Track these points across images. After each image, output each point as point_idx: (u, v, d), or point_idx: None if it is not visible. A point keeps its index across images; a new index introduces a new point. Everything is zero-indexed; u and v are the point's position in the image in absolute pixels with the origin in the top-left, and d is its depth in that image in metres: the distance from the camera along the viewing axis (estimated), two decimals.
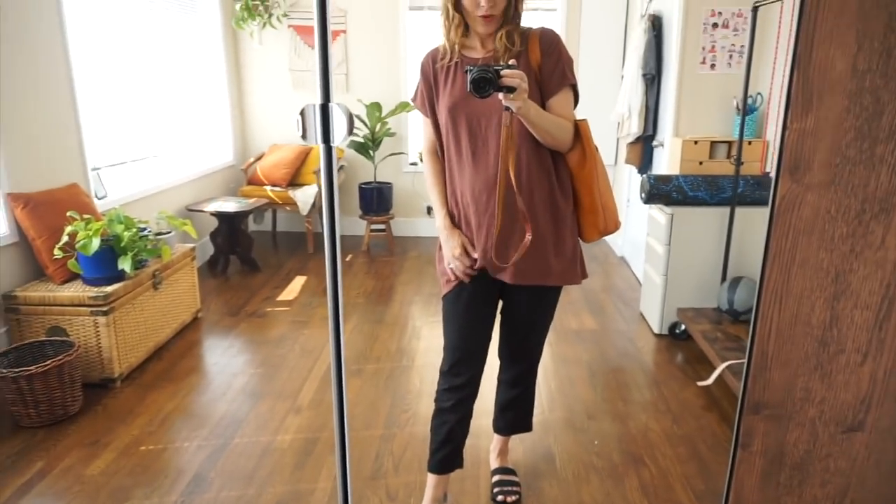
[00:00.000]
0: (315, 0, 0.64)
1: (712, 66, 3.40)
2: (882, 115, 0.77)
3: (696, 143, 3.31)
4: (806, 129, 0.77)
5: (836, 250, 0.82)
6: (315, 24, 0.67)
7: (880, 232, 0.81)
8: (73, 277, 2.75)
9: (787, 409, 0.88)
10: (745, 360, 0.88)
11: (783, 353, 0.86)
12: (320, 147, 0.71)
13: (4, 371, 2.30)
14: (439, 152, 1.79)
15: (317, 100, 0.71)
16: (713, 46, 3.37)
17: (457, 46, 1.66)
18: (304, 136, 0.70)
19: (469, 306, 1.75)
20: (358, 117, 4.88)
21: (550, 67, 1.62)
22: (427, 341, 3.23)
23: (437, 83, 1.71)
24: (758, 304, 0.85)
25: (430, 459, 1.86)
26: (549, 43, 1.63)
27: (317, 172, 4.85)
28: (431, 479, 1.87)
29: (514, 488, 2.01)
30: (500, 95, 1.43)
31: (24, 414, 2.35)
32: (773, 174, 0.80)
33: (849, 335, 0.85)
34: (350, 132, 0.71)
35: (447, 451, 1.83)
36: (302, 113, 0.70)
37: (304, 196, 4.65)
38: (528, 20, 1.67)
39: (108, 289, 2.65)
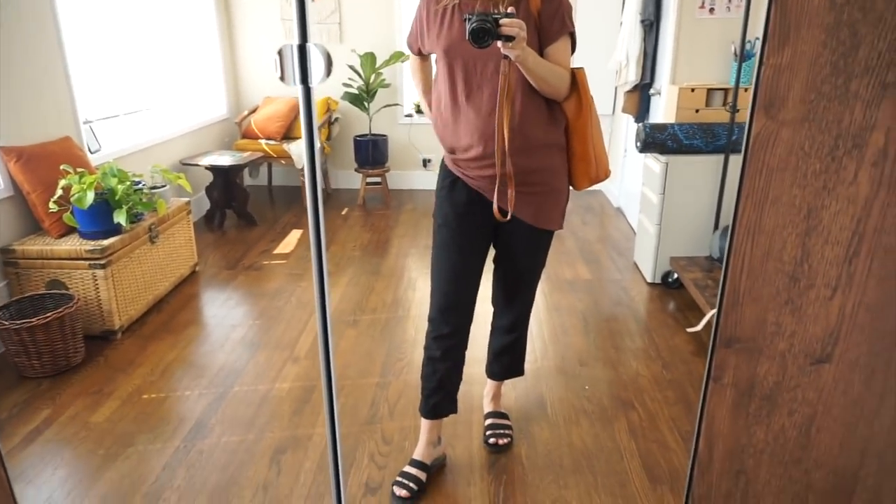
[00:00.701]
0: None
1: (711, 10, 3.33)
2: (858, 48, 0.77)
3: (692, 90, 3.28)
4: (782, 64, 0.77)
5: (809, 186, 0.83)
6: None
7: (853, 167, 0.82)
8: (69, 231, 2.76)
9: (758, 343, 0.91)
10: (718, 296, 0.90)
11: (755, 288, 0.88)
12: (298, 88, 0.71)
13: (6, 323, 2.34)
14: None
15: (295, 40, 0.71)
16: None
17: None
18: (281, 78, 0.70)
19: (459, 253, 1.76)
20: (352, 68, 4.81)
21: (550, 14, 1.60)
22: (422, 292, 3.27)
23: (431, 22, 1.69)
24: (731, 242, 0.87)
25: (423, 405, 1.91)
26: None
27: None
28: (425, 423, 1.93)
29: (507, 431, 2.08)
30: (499, 44, 1.42)
31: (28, 365, 2.40)
32: (748, 111, 0.80)
33: (819, 270, 0.87)
34: (328, 74, 0.71)
35: (438, 398, 1.88)
36: (279, 53, 0.70)
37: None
38: None
39: (105, 242, 2.67)
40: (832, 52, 0.78)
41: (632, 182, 4.35)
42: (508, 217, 1.68)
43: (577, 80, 1.68)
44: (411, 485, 1.83)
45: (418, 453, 1.91)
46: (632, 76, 3.84)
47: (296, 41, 0.70)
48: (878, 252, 0.84)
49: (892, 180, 0.81)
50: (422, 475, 1.87)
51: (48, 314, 2.39)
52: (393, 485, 1.84)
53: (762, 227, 0.85)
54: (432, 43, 1.69)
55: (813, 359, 0.92)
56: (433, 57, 1.79)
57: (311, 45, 0.69)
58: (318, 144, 0.72)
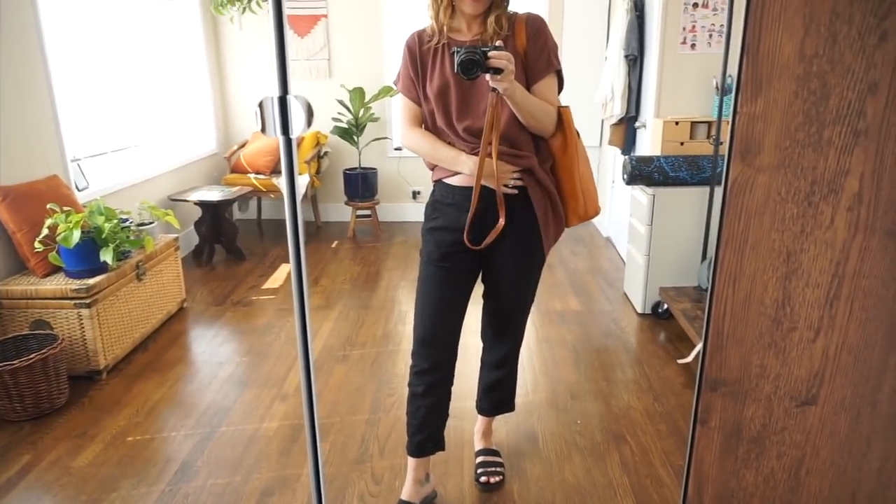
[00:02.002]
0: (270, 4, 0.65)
1: (692, 45, 3.41)
2: (829, 98, 0.79)
3: (676, 123, 3.33)
4: (756, 112, 0.79)
5: (787, 231, 0.84)
6: (271, 12, 0.67)
7: (829, 212, 0.83)
8: (55, 270, 2.74)
9: (744, 386, 0.91)
10: (702, 340, 0.90)
11: (738, 331, 0.88)
12: (280, 139, 0.72)
13: None
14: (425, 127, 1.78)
15: (275, 91, 0.72)
16: (693, 26, 3.37)
17: (444, 28, 1.66)
18: (262, 130, 0.70)
19: (442, 289, 1.76)
20: (341, 102, 4.86)
21: (536, 53, 1.64)
22: (412, 325, 3.24)
23: (425, 65, 1.70)
24: (713, 286, 0.87)
25: (408, 443, 1.88)
26: (536, 28, 1.65)
27: (308, 162, 4.83)
28: (411, 461, 1.90)
29: (498, 469, 2.05)
30: (488, 77, 1.45)
31: (10, 408, 2.36)
32: (726, 157, 0.81)
33: (801, 313, 0.88)
34: (309, 124, 0.72)
35: (423, 436, 1.85)
36: (260, 105, 0.70)
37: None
38: (512, 1, 1.68)
39: (91, 281, 2.65)
40: (804, 102, 0.79)
41: (620, 212, 4.38)
42: (482, 246, 1.69)
43: (562, 118, 1.71)
44: None
45: (406, 493, 1.88)
46: (617, 110, 3.90)
47: (276, 93, 0.71)
48: (858, 295, 0.85)
49: (868, 224, 0.82)
50: None
51: (32, 355, 2.35)
52: None
53: (743, 271, 0.86)
54: (426, 84, 1.71)
55: (798, 401, 0.92)
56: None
57: (291, 97, 0.70)
58: (300, 195, 0.73)
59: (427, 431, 1.84)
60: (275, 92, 0.73)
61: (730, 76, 3.22)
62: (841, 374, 0.90)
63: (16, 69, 2.85)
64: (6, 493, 1.99)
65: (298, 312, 0.78)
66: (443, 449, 1.91)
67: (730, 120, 0.82)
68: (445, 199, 1.76)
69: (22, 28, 2.88)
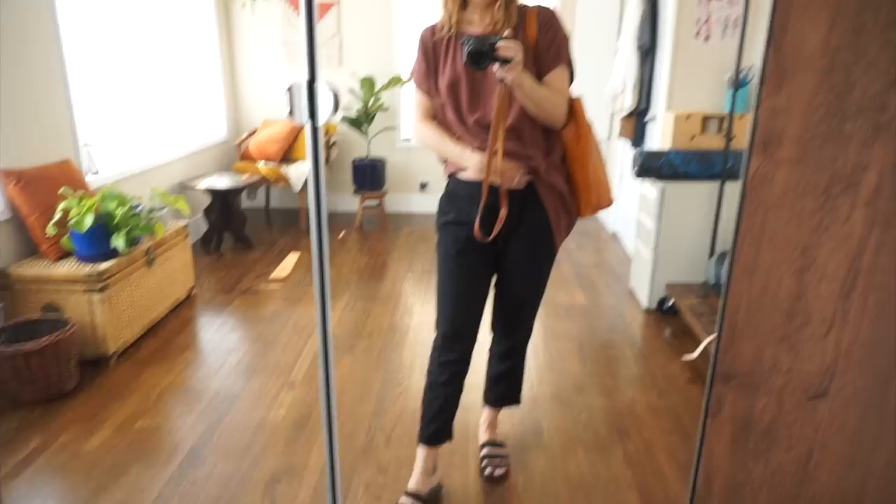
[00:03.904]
0: None
1: (707, 37, 3.38)
2: (852, 91, 0.79)
3: (688, 117, 3.31)
4: (778, 105, 0.78)
5: (805, 225, 0.84)
6: (302, 4, 0.67)
7: (847, 207, 0.83)
8: (66, 254, 2.76)
9: (755, 379, 0.91)
10: (717, 332, 0.90)
11: (752, 325, 0.89)
12: (306, 124, 0.72)
13: (1, 348, 2.32)
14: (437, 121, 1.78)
15: (300, 76, 0.72)
16: (708, 18, 3.34)
17: (456, 20, 1.65)
18: (290, 114, 0.71)
19: (462, 283, 1.78)
20: (351, 91, 4.86)
21: (546, 45, 1.64)
22: (419, 317, 3.26)
23: (437, 57, 1.71)
24: (729, 279, 0.87)
25: (422, 432, 1.89)
26: (546, 21, 1.65)
27: None
28: (422, 450, 1.91)
29: (503, 461, 2.06)
30: (496, 67, 1.45)
31: (21, 391, 2.38)
32: (745, 150, 0.81)
33: (815, 307, 0.88)
34: (336, 110, 0.72)
35: (439, 424, 1.87)
36: (289, 90, 0.71)
37: (297, 172, 4.64)
38: None
39: (102, 266, 2.66)
40: (827, 94, 0.79)
41: (627, 207, 4.37)
42: (491, 238, 1.69)
43: (574, 109, 1.70)
44: None
45: (413, 483, 1.89)
46: (628, 102, 3.88)
47: (305, 77, 0.71)
48: (873, 290, 0.85)
49: (885, 219, 0.82)
50: None
51: (43, 339, 2.37)
52: None
53: (759, 265, 0.86)
54: (438, 77, 1.71)
55: (809, 394, 0.92)
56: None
57: (319, 83, 0.70)
58: (323, 178, 0.73)
59: (444, 418, 1.87)
60: (297, 77, 0.73)
61: (743, 69, 3.20)
62: (853, 369, 0.90)
63: (30, 53, 2.86)
64: (18, 474, 2.02)
65: (320, 304, 0.78)
66: (451, 438, 1.92)
67: (752, 112, 0.81)
68: (458, 192, 1.76)
69: (37, 12, 2.89)
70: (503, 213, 1.67)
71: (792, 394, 0.91)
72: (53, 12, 2.98)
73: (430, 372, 1.85)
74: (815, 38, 0.76)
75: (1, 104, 2.67)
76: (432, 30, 1.73)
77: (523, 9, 1.66)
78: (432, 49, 1.72)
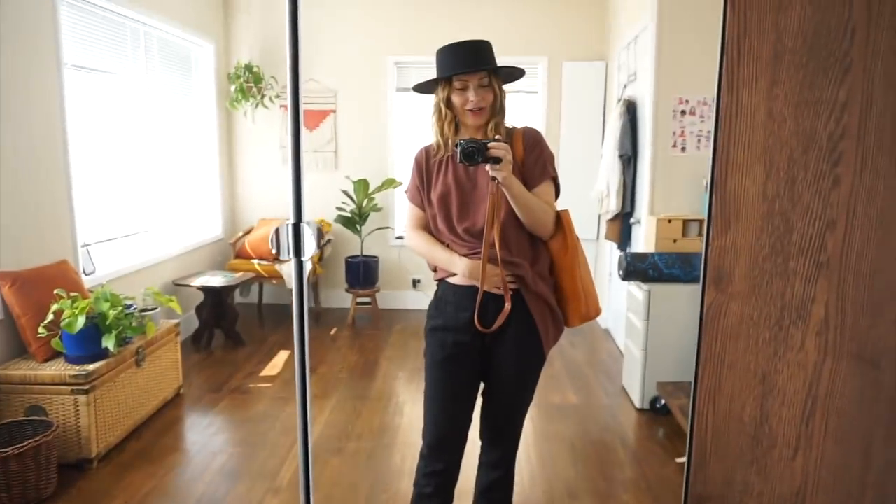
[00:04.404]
0: (290, 139, 0.73)
1: (683, 148, 3.58)
2: (792, 232, 0.86)
3: (669, 221, 3.44)
4: (725, 245, 0.86)
5: (761, 353, 0.89)
6: (290, 153, 0.75)
7: (799, 336, 0.89)
8: (55, 355, 2.76)
9: (728, 502, 0.93)
10: (686, 455, 0.93)
11: (720, 448, 0.91)
12: (292, 261, 0.78)
13: None
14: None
15: (290, 216, 0.79)
16: (682, 131, 3.55)
17: (449, 141, 1.78)
18: (277, 253, 0.77)
19: (448, 391, 1.80)
20: (345, 192, 5.03)
21: (532, 162, 1.76)
22: (409, 417, 3.23)
23: (430, 175, 1.82)
24: (693, 404, 0.91)
25: None
26: (532, 140, 1.78)
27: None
28: None
29: None
30: (487, 166, 1.56)
31: None
32: (700, 285, 0.88)
33: (779, 431, 0.91)
34: (319, 247, 0.78)
35: None
36: (276, 232, 0.77)
37: (291, 269, 4.71)
38: (510, 101, 1.81)
39: (91, 367, 2.66)
40: (769, 236, 0.87)
41: (618, 305, 4.43)
42: (492, 329, 1.72)
43: (562, 221, 1.79)
44: None
45: None
46: (612, 206, 4.03)
47: (291, 220, 0.78)
48: (832, 415, 0.89)
49: (836, 348, 0.87)
50: None
51: (24, 444, 2.34)
52: None
53: (722, 390, 0.90)
54: (430, 191, 1.82)
55: None
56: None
57: (304, 224, 0.77)
58: (307, 313, 0.78)
59: None
60: (288, 217, 0.80)
61: None
62: (822, 492, 0.92)
63: (38, 159, 2.99)
64: None
65: (301, 417, 0.81)
66: None
67: (703, 251, 0.89)
68: (446, 297, 1.82)
69: (47, 117, 3.05)
70: (507, 307, 1.71)
71: None
72: (63, 116, 3.14)
73: (416, 483, 1.83)
74: (753, 189, 0.84)
75: (4, 207, 2.76)
76: (426, 151, 1.85)
77: (511, 130, 1.80)
78: (426, 169, 1.83)
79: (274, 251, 0.77)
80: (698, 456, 0.91)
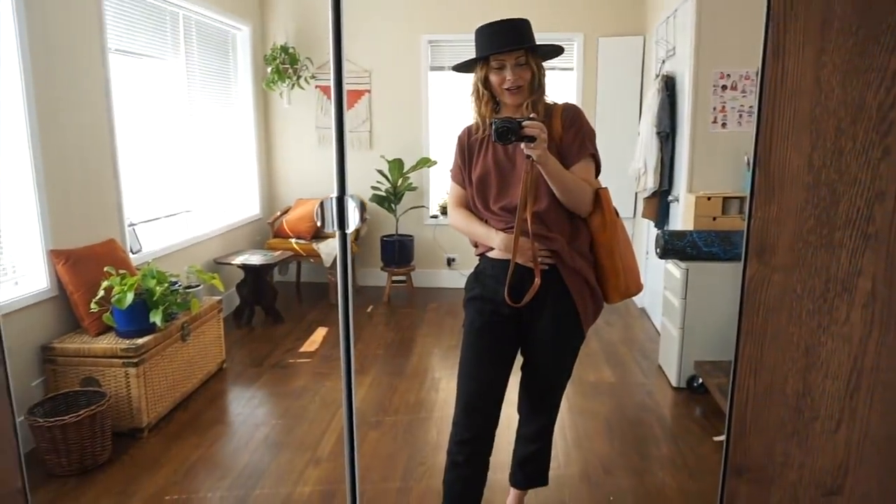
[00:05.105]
0: (333, 115, 0.75)
1: (723, 124, 3.50)
2: (839, 204, 0.85)
3: (709, 198, 3.38)
4: (769, 217, 0.85)
5: (805, 326, 0.88)
6: (333, 128, 0.77)
7: (844, 309, 0.88)
8: (106, 329, 2.88)
9: (769, 473, 0.93)
10: (726, 426, 0.93)
11: (760, 420, 0.91)
12: (336, 233, 0.81)
13: (41, 420, 2.41)
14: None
15: (334, 191, 0.82)
16: (723, 106, 3.47)
17: (488, 121, 1.78)
18: (321, 226, 0.80)
19: (483, 360, 1.82)
20: (380, 172, 5.06)
21: (570, 139, 1.75)
22: (445, 393, 3.27)
23: (472, 155, 1.84)
24: (734, 377, 0.91)
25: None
26: (571, 117, 1.77)
27: None
28: None
29: None
30: (522, 145, 1.56)
31: (56, 463, 2.45)
32: (742, 256, 0.87)
33: (822, 403, 0.90)
34: (362, 220, 0.81)
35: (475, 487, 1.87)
36: (321, 205, 0.80)
37: (328, 248, 4.79)
38: (547, 78, 1.79)
39: (140, 341, 2.77)
40: (814, 207, 0.86)
41: (655, 283, 4.38)
42: (522, 303, 1.73)
43: (600, 198, 1.78)
44: None
45: None
46: (650, 184, 3.97)
47: (335, 194, 0.81)
48: (878, 388, 0.88)
49: (883, 322, 0.86)
50: None
51: (81, 412, 2.46)
52: None
53: (763, 363, 0.90)
54: (471, 171, 1.84)
55: (824, 490, 0.93)
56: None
57: (348, 198, 0.80)
58: (351, 286, 0.81)
59: (466, 501, 1.87)
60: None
61: None
62: (865, 466, 0.91)
63: (86, 139, 3.09)
64: None
65: (345, 378, 0.84)
66: None
67: (745, 222, 0.88)
68: (485, 270, 1.85)
69: (93, 101, 3.15)
70: (537, 281, 1.72)
71: (806, 489, 0.92)
72: (109, 101, 3.24)
73: (448, 452, 1.87)
74: (799, 160, 0.83)
75: (56, 188, 2.88)
76: (468, 131, 1.87)
77: (550, 106, 1.79)
78: (467, 148, 1.85)
79: (319, 223, 0.80)
80: (738, 427, 0.92)
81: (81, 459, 2.48)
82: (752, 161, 0.85)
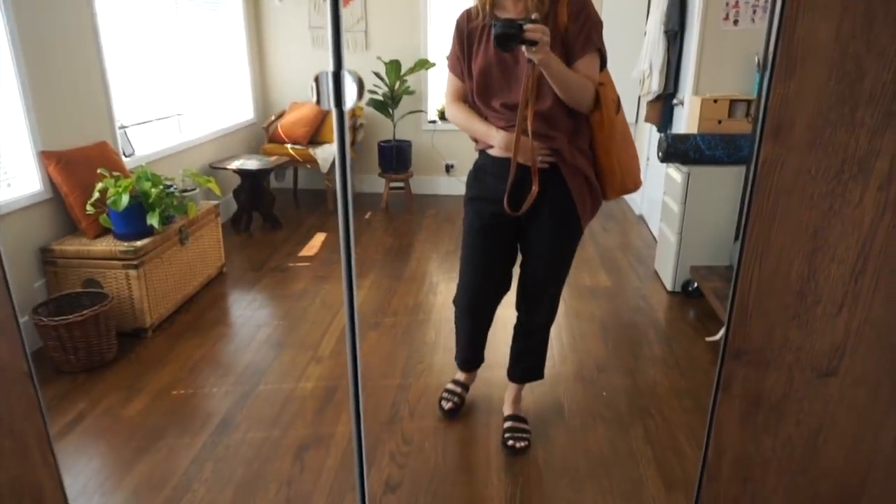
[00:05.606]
0: None
1: (735, 21, 3.34)
2: (863, 79, 0.81)
3: (715, 101, 3.29)
4: (789, 93, 0.81)
5: (816, 208, 0.87)
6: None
7: (858, 191, 0.86)
8: (104, 232, 2.87)
9: (766, 356, 0.95)
10: (728, 311, 0.94)
11: (763, 304, 0.92)
12: (332, 111, 0.77)
13: (45, 319, 2.45)
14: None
15: (329, 66, 0.77)
16: (737, 1, 3.30)
17: (488, 7, 1.69)
18: (317, 102, 0.76)
19: (487, 253, 1.89)
20: (377, 75, 4.89)
21: (576, 31, 1.67)
22: (443, 296, 3.32)
23: (471, 43, 1.76)
24: (740, 260, 0.91)
25: (456, 358, 2.27)
26: (578, 7, 1.68)
27: None
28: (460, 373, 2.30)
29: (525, 435, 2.12)
30: (524, 48, 1.49)
31: (65, 360, 2.51)
32: (756, 136, 0.84)
33: (825, 287, 0.91)
34: (360, 97, 0.77)
35: (467, 355, 2.22)
36: (316, 80, 0.76)
37: (325, 154, 4.71)
38: None
39: (138, 243, 2.77)
40: (838, 83, 0.81)
41: (654, 190, 4.36)
42: (521, 212, 1.74)
43: (599, 95, 1.73)
44: (456, 399, 2.21)
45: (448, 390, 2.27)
46: (655, 86, 3.85)
47: (331, 68, 0.76)
48: (884, 272, 0.88)
49: None
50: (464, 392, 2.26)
51: (84, 311, 2.49)
52: (440, 399, 2.26)
53: (770, 247, 0.89)
54: (471, 63, 1.76)
55: (819, 372, 0.95)
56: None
57: (345, 72, 0.75)
58: (349, 162, 0.78)
59: (473, 350, 2.19)
60: (323, 64, 0.78)
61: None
62: (863, 348, 0.93)
63: (69, 40, 2.95)
64: (65, 434, 2.14)
65: (346, 274, 0.84)
66: (483, 361, 2.26)
67: (762, 99, 0.84)
68: (485, 167, 1.82)
69: (76, 2, 2.98)
70: (535, 189, 1.71)
71: (802, 371, 0.95)
72: (91, 2, 3.06)
73: (455, 314, 2.13)
74: (826, 30, 0.78)
75: (41, 88, 2.77)
76: (468, 15, 1.77)
77: None
78: (467, 35, 1.76)
79: (314, 100, 0.76)
80: (739, 313, 0.92)
81: (89, 357, 2.54)
82: (775, 29, 0.80)
